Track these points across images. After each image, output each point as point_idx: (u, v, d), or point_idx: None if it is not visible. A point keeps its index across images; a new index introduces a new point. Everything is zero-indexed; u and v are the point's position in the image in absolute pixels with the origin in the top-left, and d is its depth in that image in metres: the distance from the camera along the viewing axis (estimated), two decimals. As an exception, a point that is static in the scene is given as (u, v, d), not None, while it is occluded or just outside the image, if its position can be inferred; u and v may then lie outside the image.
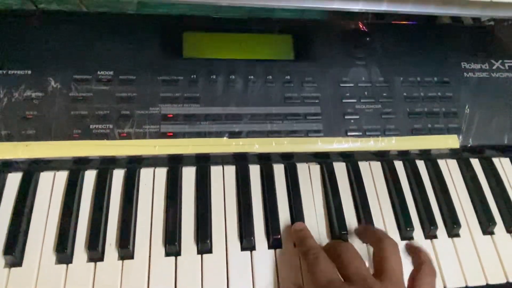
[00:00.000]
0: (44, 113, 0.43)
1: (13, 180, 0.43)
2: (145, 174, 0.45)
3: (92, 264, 0.39)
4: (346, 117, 0.48)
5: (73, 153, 0.43)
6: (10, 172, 0.43)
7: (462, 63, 0.54)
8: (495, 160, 0.51)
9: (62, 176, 0.43)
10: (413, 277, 0.37)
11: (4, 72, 0.44)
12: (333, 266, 0.36)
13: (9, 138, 0.42)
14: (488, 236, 0.46)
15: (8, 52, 0.45)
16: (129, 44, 0.48)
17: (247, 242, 0.42)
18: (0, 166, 0.42)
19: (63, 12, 0.49)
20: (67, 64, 0.45)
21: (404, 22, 0.57)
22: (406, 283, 0.37)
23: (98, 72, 0.46)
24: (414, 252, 0.40)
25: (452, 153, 0.51)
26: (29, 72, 0.45)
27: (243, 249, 0.42)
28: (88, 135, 0.43)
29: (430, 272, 0.37)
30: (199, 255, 0.41)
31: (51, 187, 0.43)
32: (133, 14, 0.51)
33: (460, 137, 0.50)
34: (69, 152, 0.42)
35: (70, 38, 0.47)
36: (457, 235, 0.46)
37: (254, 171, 0.47)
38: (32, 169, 0.43)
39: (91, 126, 0.44)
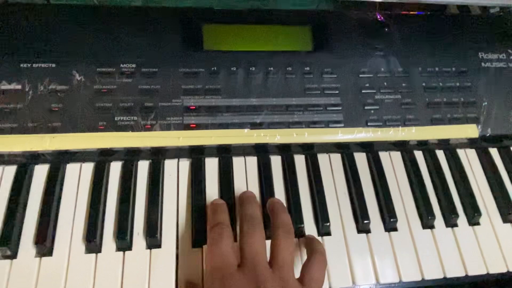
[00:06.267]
0: (70, 105, 0.44)
1: (41, 172, 0.43)
2: (169, 165, 0.45)
3: (121, 253, 0.40)
4: (366, 107, 0.49)
5: (99, 145, 0.43)
6: (37, 164, 0.44)
7: (479, 53, 0.54)
8: (513, 149, 0.52)
9: (88, 168, 0.44)
10: (305, 264, 0.37)
11: (29, 65, 0.45)
12: (233, 247, 0.36)
13: (35, 130, 0.43)
14: (508, 224, 0.46)
15: (31, 46, 0.46)
16: (150, 37, 0.48)
17: (269, 232, 0.42)
18: (28, 158, 0.43)
19: (84, 6, 0.50)
20: (90, 58, 0.46)
21: (413, 13, 0.57)
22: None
23: (121, 65, 0.46)
24: (308, 242, 0.40)
25: (471, 143, 0.51)
26: (53, 65, 0.45)
27: (267, 237, 0.42)
28: (113, 127, 0.44)
29: (321, 260, 0.37)
30: (225, 244, 0.41)
31: (77, 179, 0.43)
32: (153, 7, 0.51)
33: (479, 126, 0.50)
34: (95, 144, 0.43)
35: (92, 31, 0.47)
36: (477, 223, 0.46)
37: (275, 161, 0.47)
38: (58, 161, 0.44)
39: (116, 118, 0.44)
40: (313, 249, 0.38)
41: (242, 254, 0.36)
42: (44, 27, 0.47)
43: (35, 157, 0.43)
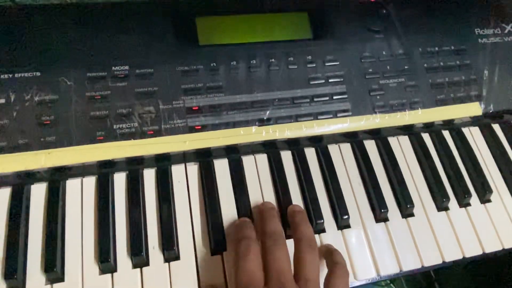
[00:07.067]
0: (62, 117, 0.40)
1: (38, 191, 0.40)
2: (177, 171, 0.43)
3: (138, 270, 0.38)
4: (371, 93, 0.47)
5: (100, 157, 0.40)
6: (33, 183, 0.40)
7: (475, 29, 0.54)
8: (515, 124, 0.53)
9: (90, 182, 0.41)
10: (327, 279, 0.36)
11: (10, 76, 0.41)
12: (259, 266, 0.35)
13: (27, 147, 0.39)
14: (517, 199, 0.47)
15: (10, 54, 0.41)
16: (140, 35, 0.45)
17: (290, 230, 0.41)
18: (22, 178, 0.40)
19: (65, 6, 0.45)
20: (78, 62, 0.42)
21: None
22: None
23: (113, 68, 0.43)
24: (328, 253, 0.39)
25: (474, 120, 0.51)
26: (38, 74, 0.41)
27: (287, 237, 0.41)
28: (113, 136, 0.41)
29: (343, 274, 0.36)
30: (245, 248, 0.40)
31: (80, 195, 0.40)
32: (140, 2, 0.47)
33: (482, 103, 0.50)
34: (95, 157, 0.40)
35: (77, 33, 0.43)
36: (489, 201, 0.47)
37: (286, 157, 0.46)
38: (56, 178, 0.40)
39: (114, 127, 0.41)
40: (334, 262, 0.37)
41: (267, 271, 0.34)
42: (21, 32, 0.42)
43: (30, 176, 0.40)
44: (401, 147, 0.48)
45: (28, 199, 0.39)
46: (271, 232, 0.37)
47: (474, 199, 0.46)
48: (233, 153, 0.45)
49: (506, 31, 0.54)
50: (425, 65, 0.50)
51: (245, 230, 0.38)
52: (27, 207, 0.39)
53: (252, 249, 0.36)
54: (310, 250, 0.36)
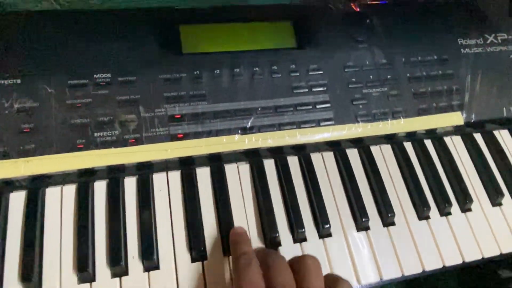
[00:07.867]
0: (42, 124, 0.40)
1: (17, 199, 0.40)
2: (158, 179, 0.43)
3: (117, 279, 0.37)
4: (354, 102, 0.48)
5: (80, 166, 0.40)
6: (12, 191, 0.40)
7: (458, 39, 0.54)
8: (495, 133, 0.53)
9: (70, 190, 0.41)
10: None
11: (-11, 83, 0.40)
12: (261, 277, 0.34)
13: (6, 155, 0.39)
14: (497, 208, 0.48)
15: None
16: (123, 43, 0.45)
17: (273, 239, 0.41)
18: (1, 186, 0.39)
19: (46, 12, 0.45)
20: (59, 70, 0.42)
21: (377, 2, 0.56)
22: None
23: (95, 76, 0.43)
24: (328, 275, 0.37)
25: (456, 130, 0.52)
26: (18, 81, 0.41)
27: (266, 246, 0.41)
28: (93, 144, 0.40)
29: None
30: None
31: (59, 203, 0.40)
32: (122, 9, 0.47)
33: (464, 113, 0.51)
34: (75, 165, 0.40)
35: (59, 40, 0.43)
36: (470, 210, 0.47)
37: (269, 165, 0.46)
38: (35, 186, 0.40)
39: (95, 135, 0.41)
40: (336, 277, 0.36)
41: (269, 284, 0.33)
42: (0, 39, 0.42)
43: (9, 184, 0.40)
44: (383, 156, 0.49)
45: (6, 208, 0.39)
46: (269, 250, 0.37)
47: (455, 208, 0.47)
48: (216, 162, 0.45)
49: (488, 42, 0.55)
50: (408, 74, 0.51)
51: (243, 246, 0.38)
52: (5, 216, 0.39)
53: (253, 262, 0.35)
54: (314, 261, 0.35)
